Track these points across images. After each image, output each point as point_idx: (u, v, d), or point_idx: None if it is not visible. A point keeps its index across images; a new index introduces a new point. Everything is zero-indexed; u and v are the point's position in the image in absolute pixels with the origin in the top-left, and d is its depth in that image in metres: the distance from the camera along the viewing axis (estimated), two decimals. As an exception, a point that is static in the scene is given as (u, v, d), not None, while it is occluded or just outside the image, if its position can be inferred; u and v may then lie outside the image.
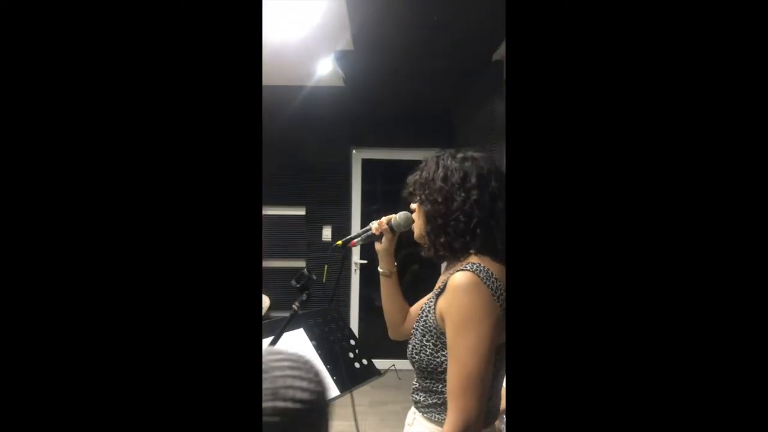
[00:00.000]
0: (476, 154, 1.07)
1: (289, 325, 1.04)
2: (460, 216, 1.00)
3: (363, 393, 1.61)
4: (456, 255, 1.03)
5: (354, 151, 4.11)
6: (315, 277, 1.03)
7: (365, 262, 4.11)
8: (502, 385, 1.03)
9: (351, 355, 1.61)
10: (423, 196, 1.05)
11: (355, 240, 1.20)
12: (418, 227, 1.08)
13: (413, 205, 1.10)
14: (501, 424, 1.30)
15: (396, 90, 3.49)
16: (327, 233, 4.02)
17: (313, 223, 4.02)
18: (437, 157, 1.08)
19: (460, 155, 1.06)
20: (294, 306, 1.03)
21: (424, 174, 1.06)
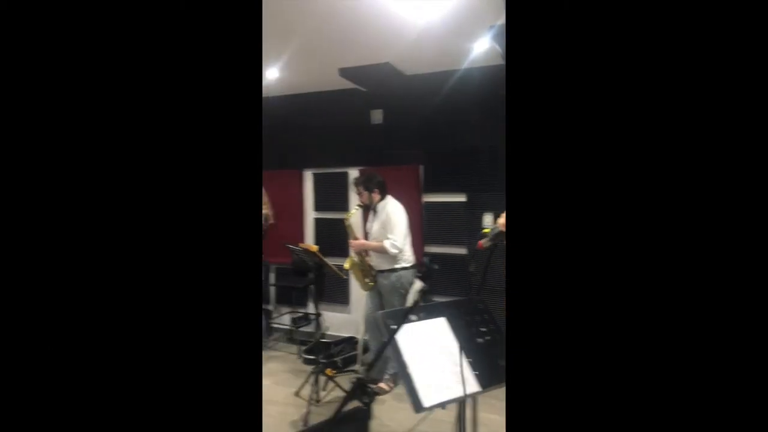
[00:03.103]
0: None
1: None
2: None
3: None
4: None
5: (517, 134, 3.89)
6: (437, 267, 0.97)
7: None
8: None
9: (496, 351, 1.51)
10: None
11: (483, 241, 1.10)
12: None
13: None
14: None
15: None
16: (488, 220, 3.89)
17: (473, 210, 3.93)
18: None
19: None
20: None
21: None
